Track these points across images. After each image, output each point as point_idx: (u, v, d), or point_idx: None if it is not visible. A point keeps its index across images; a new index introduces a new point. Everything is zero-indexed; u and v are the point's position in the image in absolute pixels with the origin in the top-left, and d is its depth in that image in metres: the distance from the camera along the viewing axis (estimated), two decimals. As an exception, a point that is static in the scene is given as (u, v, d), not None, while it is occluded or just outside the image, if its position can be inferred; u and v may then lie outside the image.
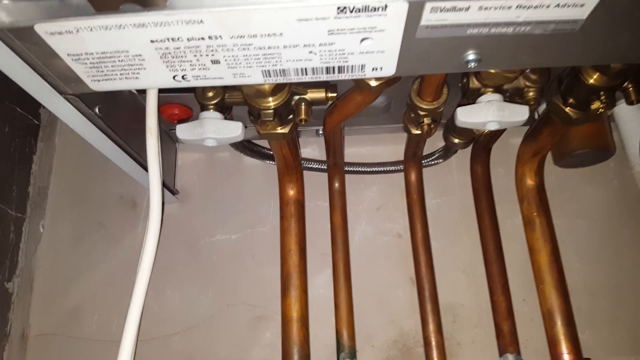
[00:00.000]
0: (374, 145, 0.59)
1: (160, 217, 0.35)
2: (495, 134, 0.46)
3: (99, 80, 0.31)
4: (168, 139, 0.56)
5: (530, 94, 0.36)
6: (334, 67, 0.30)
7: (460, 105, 0.41)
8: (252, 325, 0.53)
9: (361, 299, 0.52)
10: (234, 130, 0.37)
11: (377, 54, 0.29)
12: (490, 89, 0.36)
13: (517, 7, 0.25)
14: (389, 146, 0.59)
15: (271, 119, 0.37)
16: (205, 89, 0.38)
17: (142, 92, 0.45)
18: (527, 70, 0.36)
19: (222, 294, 0.54)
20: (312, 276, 0.51)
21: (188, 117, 0.49)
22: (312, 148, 0.60)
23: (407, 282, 0.54)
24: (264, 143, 0.57)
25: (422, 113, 0.38)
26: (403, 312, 0.53)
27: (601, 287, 0.53)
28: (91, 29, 0.26)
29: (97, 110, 0.37)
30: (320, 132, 0.56)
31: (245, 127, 0.39)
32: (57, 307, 0.54)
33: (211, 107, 0.38)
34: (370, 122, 0.55)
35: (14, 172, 0.52)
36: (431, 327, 0.47)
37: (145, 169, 0.46)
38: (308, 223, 0.53)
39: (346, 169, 0.54)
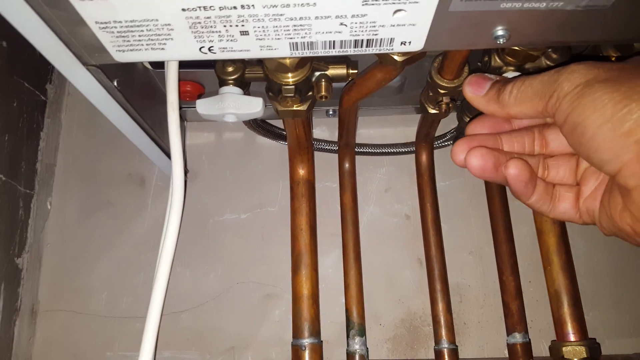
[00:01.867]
0: (382, 127, 0.59)
1: (183, 193, 0.35)
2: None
3: (123, 51, 0.30)
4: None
5: (551, 74, 0.37)
6: (362, 41, 0.30)
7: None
8: (261, 303, 0.53)
9: (369, 279, 0.52)
10: (255, 105, 0.37)
11: (408, 27, 0.29)
12: (512, 67, 0.36)
13: (552, -19, 0.25)
14: (398, 128, 0.59)
15: (292, 94, 0.37)
16: (225, 64, 0.37)
17: (157, 67, 0.44)
18: (549, 50, 0.36)
19: (232, 272, 0.54)
20: (321, 256, 0.52)
21: (200, 94, 0.49)
22: (321, 129, 0.60)
23: (415, 263, 0.54)
24: (276, 122, 0.56)
25: (442, 91, 0.38)
26: (410, 292, 0.53)
27: (605, 269, 0.54)
28: (123, -5, 0.25)
29: (115, 82, 0.36)
30: (331, 112, 0.56)
31: (266, 104, 0.38)
32: (66, 283, 0.54)
33: (231, 82, 0.38)
34: (380, 102, 0.55)
35: (22, 148, 0.52)
36: (440, 306, 0.47)
37: (159, 145, 0.46)
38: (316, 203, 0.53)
39: (357, 150, 0.54)
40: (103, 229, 0.56)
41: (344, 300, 0.51)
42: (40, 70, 0.56)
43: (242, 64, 0.38)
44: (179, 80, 0.48)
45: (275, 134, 0.55)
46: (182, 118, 0.57)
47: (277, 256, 0.54)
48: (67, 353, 0.52)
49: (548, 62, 0.36)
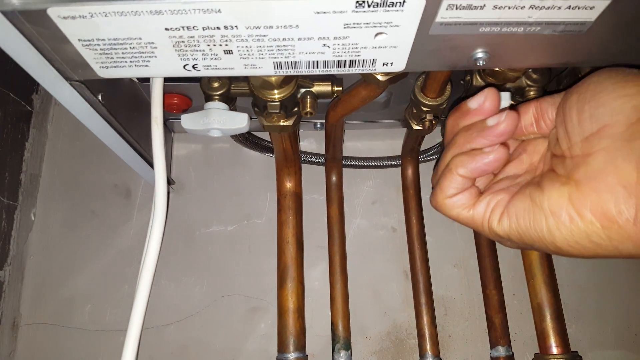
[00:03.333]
0: (371, 140, 0.59)
1: (166, 207, 0.35)
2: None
3: (107, 67, 0.30)
4: (165, 128, 0.55)
5: (532, 93, 0.37)
6: (345, 61, 0.30)
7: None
8: (247, 316, 0.53)
9: (355, 292, 0.52)
10: (240, 121, 0.37)
11: (389, 49, 0.29)
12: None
13: (530, 7, 0.26)
14: (386, 141, 0.59)
15: (277, 111, 0.37)
16: (211, 79, 0.38)
17: (143, 80, 0.45)
18: (529, 70, 0.37)
19: (218, 285, 0.54)
20: (307, 269, 0.52)
21: (187, 106, 0.49)
22: (308, 141, 0.60)
23: (401, 276, 0.55)
24: (263, 135, 0.57)
25: (425, 109, 0.39)
26: (396, 305, 0.53)
27: (588, 281, 0.55)
28: (106, 15, 0.26)
29: (100, 97, 0.36)
30: (319, 125, 0.56)
31: (251, 118, 0.39)
32: (49, 296, 0.53)
33: (216, 97, 0.38)
34: (367, 116, 0.56)
35: (6, 158, 0.51)
36: (425, 319, 0.47)
37: (144, 157, 0.46)
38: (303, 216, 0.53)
39: (344, 162, 0.54)
40: (88, 240, 0.55)
41: (329, 313, 0.51)
42: (25, 80, 0.56)
43: (228, 80, 0.38)
44: (167, 92, 0.48)
45: (262, 146, 0.55)
46: (169, 129, 0.57)
47: (264, 269, 0.54)
48: (49, 367, 0.51)
49: (528, 82, 0.37)
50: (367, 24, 0.27)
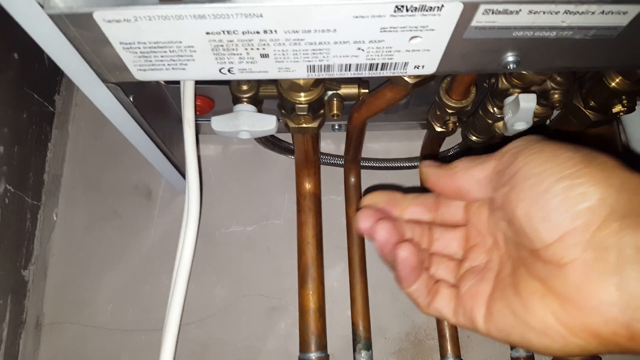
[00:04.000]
0: (387, 142, 0.60)
1: (199, 207, 0.35)
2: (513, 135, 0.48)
3: (144, 70, 0.31)
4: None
5: (556, 96, 0.38)
6: (378, 64, 0.31)
7: (481, 103, 0.43)
8: (267, 315, 0.54)
9: (374, 292, 0.53)
10: (269, 123, 0.37)
11: (422, 52, 0.30)
12: (518, 90, 0.37)
13: (564, 12, 0.27)
14: (402, 142, 0.60)
15: (305, 113, 0.37)
16: (240, 82, 0.38)
17: (170, 83, 0.45)
18: (554, 73, 0.37)
19: (238, 285, 0.55)
20: (326, 269, 0.52)
21: (210, 108, 0.50)
22: (326, 143, 0.60)
23: (419, 276, 0.55)
24: (282, 136, 0.57)
25: (450, 111, 0.39)
26: (415, 306, 0.54)
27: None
28: (150, 19, 0.26)
29: (131, 98, 0.37)
30: (337, 127, 0.57)
31: (279, 120, 0.39)
32: (71, 295, 0.54)
33: (245, 99, 0.38)
34: (386, 118, 0.56)
35: (30, 159, 0.52)
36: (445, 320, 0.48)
37: (169, 158, 0.47)
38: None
39: (362, 164, 0.55)
40: (109, 240, 0.56)
41: (349, 314, 0.51)
42: (49, 81, 0.57)
43: (257, 83, 0.38)
44: (189, 94, 0.49)
45: (282, 148, 0.56)
46: (190, 131, 0.58)
47: (283, 269, 0.55)
48: (72, 365, 0.52)
49: (553, 85, 0.38)
50: (404, 28, 0.27)
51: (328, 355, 0.47)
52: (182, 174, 0.52)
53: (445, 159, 0.55)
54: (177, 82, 0.45)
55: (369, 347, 0.48)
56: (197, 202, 0.35)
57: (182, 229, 0.36)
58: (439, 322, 0.48)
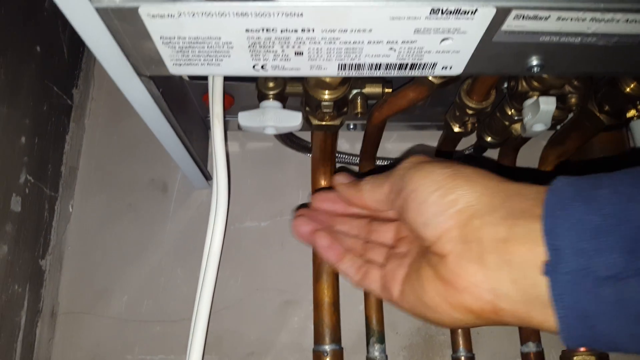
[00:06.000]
0: (401, 142, 0.61)
1: (227, 203, 0.36)
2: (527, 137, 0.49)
3: (180, 65, 0.32)
4: (203, 126, 0.57)
5: (573, 99, 0.39)
6: (407, 64, 0.32)
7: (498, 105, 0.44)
8: (280, 309, 0.54)
9: (385, 288, 0.54)
10: (295, 119, 0.38)
11: (451, 54, 0.31)
12: (537, 93, 0.38)
13: (590, 19, 0.28)
14: (416, 142, 0.61)
15: (330, 110, 0.38)
16: (267, 79, 0.39)
17: (194, 78, 0.46)
18: (572, 78, 0.38)
19: (251, 279, 0.55)
20: (339, 265, 0.53)
21: (230, 105, 0.50)
22: (340, 141, 0.61)
23: (429, 274, 0.56)
24: (299, 134, 0.58)
25: (470, 112, 0.40)
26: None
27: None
28: (193, 14, 0.27)
29: (161, 92, 0.38)
30: (352, 126, 0.58)
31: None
32: (86, 286, 0.55)
33: (271, 96, 0.39)
34: (400, 118, 0.58)
35: (49, 151, 0.53)
36: (457, 316, 0.49)
37: (190, 153, 0.48)
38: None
39: (378, 163, 0.56)
40: (124, 233, 0.57)
41: (361, 308, 0.52)
42: (68, 75, 0.57)
43: (283, 80, 0.39)
44: (207, 92, 0.49)
45: (299, 145, 0.56)
46: (208, 127, 0.58)
47: (297, 264, 0.55)
48: (86, 356, 0.53)
49: (570, 89, 0.39)
50: (437, 29, 0.28)
51: (342, 348, 0.48)
52: (201, 169, 0.52)
53: (459, 159, 0.56)
54: (202, 79, 0.46)
55: (382, 340, 0.49)
56: (225, 195, 0.36)
57: (210, 220, 0.37)
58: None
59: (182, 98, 0.47)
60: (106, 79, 0.63)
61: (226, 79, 0.45)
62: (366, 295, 0.52)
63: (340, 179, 0.34)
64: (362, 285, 0.32)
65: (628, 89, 0.39)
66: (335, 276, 0.50)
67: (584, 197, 0.22)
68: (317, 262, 0.51)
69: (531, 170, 0.55)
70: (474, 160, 0.52)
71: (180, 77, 0.46)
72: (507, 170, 0.46)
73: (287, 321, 0.54)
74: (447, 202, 0.25)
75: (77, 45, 0.59)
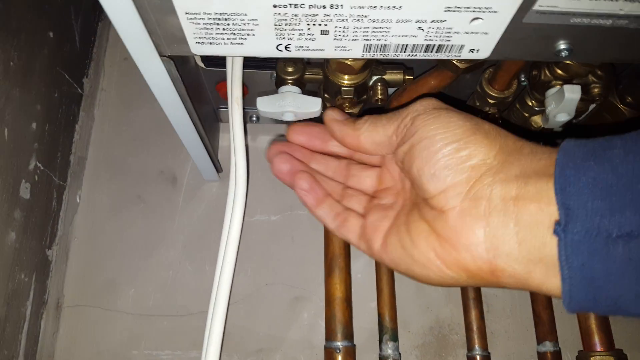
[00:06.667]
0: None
1: (246, 188, 0.35)
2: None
3: (202, 44, 0.31)
4: (214, 117, 0.56)
5: (596, 90, 0.38)
6: (435, 46, 0.31)
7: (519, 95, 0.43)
8: (290, 304, 0.53)
9: (398, 286, 0.53)
10: (314, 105, 0.38)
11: (480, 35, 0.30)
12: (560, 82, 0.38)
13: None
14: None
15: (351, 96, 0.38)
16: (286, 64, 0.39)
17: (210, 65, 0.45)
18: (596, 68, 0.38)
19: (261, 273, 0.54)
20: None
21: (244, 94, 0.50)
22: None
23: (442, 272, 0.55)
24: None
25: (491, 101, 0.40)
26: (439, 301, 0.54)
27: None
28: (222, -13, 0.26)
29: (180, 74, 0.37)
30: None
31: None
32: (92, 278, 0.53)
33: (290, 81, 0.39)
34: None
35: (59, 139, 0.52)
36: (473, 313, 0.48)
37: (204, 142, 0.47)
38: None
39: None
40: (132, 225, 0.56)
41: (373, 305, 0.51)
42: (79, 63, 0.57)
43: (302, 65, 0.39)
44: (221, 81, 0.49)
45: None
46: (218, 119, 0.58)
47: (307, 259, 0.54)
48: (91, 350, 0.51)
49: (594, 79, 0.38)
50: (468, 8, 0.28)
51: (354, 345, 0.47)
52: (213, 160, 0.52)
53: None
54: (217, 65, 0.45)
55: (395, 338, 0.48)
56: (244, 184, 0.35)
57: (227, 211, 0.36)
58: (467, 315, 0.49)
59: (197, 85, 0.46)
60: (116, 69, 0.62)
61: (244, 65, 0.45)
62: (379, 291, 0.50)
63: (333, 114, 0.31)
64: (339, 233, 0.31)
65: (653, 82, 0.38)
66: (347, 271, 0.49)
67: (596, 157, 0.21)
68: (329, 257, 0.50)
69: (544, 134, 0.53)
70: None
71: (195, 64, 0.45)
72: (520, 131, 0.44)
73: (297, 317, 0.53)
74: (461, 156, 0.24)
75: (88, 34, 0.58)
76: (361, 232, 0.30)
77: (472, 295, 0.48)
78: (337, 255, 0.49)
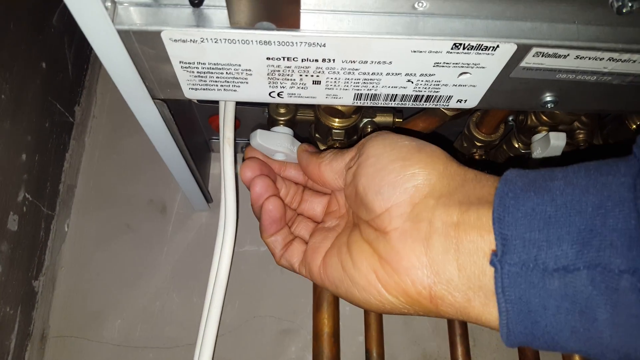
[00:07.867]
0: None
1: (235, 227, 0.35)
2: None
3: (196, 89, 0.32)
4: (205, 147, 0.56)
5: (581, 135, 0.39)
6: (423, 96, 0.32)
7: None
8: (278, 338, 0.53)
9: (385, 319, 0.53)
10: (306, 147, 0.38)
11: (468, 88, 0.31)
12: (546, 128, 0.39)
13: (608, 59, 0.28)
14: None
15: (342, 138, 0.38)
16: (279, 105, 0.39)
17: (202, 101, 0.46)
18: (581, 115, 0.39)
19: (249, 305, 0.54)
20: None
21: (236, 128, 0.50)
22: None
23: (430, 304, 0.55)
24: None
25: (478, 144, 0.41)
26: (426, 334, 0.54)
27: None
28: (216, 41, 0.27)
29: (172, 114, 0.37)
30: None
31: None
32: (78, 309, 0.53)
33: (281, 122, 0.39)
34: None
35: (49, 168, 0.52)
36: (460, 349, 0.48)
37: (195, 176, 0.47)
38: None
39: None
40: (120, 254, 0.55)
41: (360, 339, 0.51)
42: (71, 91, 0.57)
43: (294, 106, 0.39)
44: (214, 114, 0.49)
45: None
46: (210, 149, 0.58)
47: (295, 291, 0.54)
48: (75, 382, 0.50)
49: (579, 125, 0.39)
50: (456, 64, 0.29)
51: (342, 381, 0.47)
52: (203, 190, 0.52)
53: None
54: (209, 101, 0.46)
55: (383, 374, 0.48)
56: (233, 221, 0.35)
57: (216, 246, 0.36)
58: (453, 351, 0.49)
59: (189, 119, 0.46)
60: (108, 96, 0.62)
61: (237, 103, 0.45)
62: (367, 326, 0.50)
63: (305, 146, 0.33)
64: (282, 261, 0.31)
65: (634, 126, 0.39)
66: (335, 305, 0.49)
67: (536, 188, 0.21)
68: (318, 291, 0.50)
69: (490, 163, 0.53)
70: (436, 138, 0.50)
71: (190, 101, 0.46)
72: (468, 161, 0.45)
73: (284, 350, 0.52)
74: (406, 174, 0.24)
75: (81, 63, 0.59)
76: (303, 257, 0.30)
77: (458, 332, 0.49)
78: (324, 289, 0.49)
